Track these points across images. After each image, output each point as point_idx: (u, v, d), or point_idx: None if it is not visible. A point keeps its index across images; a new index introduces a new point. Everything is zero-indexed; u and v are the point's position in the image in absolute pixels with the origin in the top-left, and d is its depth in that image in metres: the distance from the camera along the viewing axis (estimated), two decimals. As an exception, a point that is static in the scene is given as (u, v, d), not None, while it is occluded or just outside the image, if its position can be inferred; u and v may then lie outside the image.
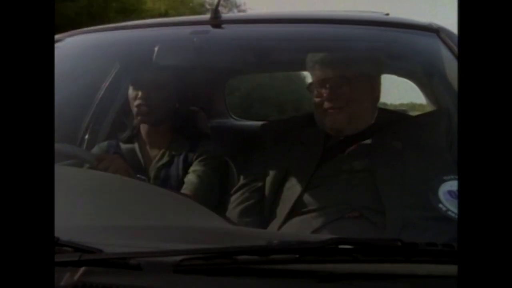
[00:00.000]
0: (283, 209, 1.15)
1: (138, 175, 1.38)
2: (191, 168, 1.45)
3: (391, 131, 1.22)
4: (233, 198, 1.26)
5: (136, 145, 1.54)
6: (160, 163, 1.49)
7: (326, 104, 1.23)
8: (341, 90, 1.22)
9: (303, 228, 1.08)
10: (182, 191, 1.38)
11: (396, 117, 1.34)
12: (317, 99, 1.25)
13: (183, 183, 1.42)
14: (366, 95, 1.25)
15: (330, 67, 1.24)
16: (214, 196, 1.43)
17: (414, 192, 1.05)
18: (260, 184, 1.25)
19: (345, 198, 1.10)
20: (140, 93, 1.48)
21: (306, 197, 1.15)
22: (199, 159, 1.47)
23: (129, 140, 1.55)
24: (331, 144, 1.25)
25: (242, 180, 1.29)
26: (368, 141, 1.22)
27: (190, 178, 1.42)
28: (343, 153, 1.22)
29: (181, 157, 1.49)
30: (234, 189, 1.29)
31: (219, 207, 1.31)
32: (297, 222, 1.11)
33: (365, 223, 1.05)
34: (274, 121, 1.49)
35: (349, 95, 1.22)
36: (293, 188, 1.18)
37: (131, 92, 1.51)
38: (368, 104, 1.26)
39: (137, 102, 1.48)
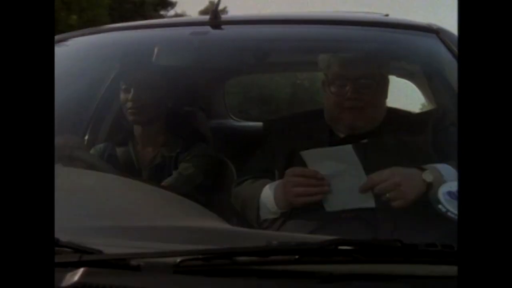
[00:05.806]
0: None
1: None
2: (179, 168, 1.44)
3: (391, 131, 1.22)
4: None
5: (130, 146, 1.53)
6: (153, 164, 1.48)
7: (347, 103, 1.22)
8: (365, 90, 1.22)
9: (299, 229, 1.08)
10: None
11: (396, 116, 1.34)
12: (336, 98, 1.25)
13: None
14: (385, 96, 1.27)
15: (352, 67, 1.24)
16: (202, 196, 1.41)
17: None
18: (260, 182, 1.24)
19: None
20: (131, 94, 1.47)
21: None
22: (187, 158, 1.46)
23: (123, 142, 1.55)
24: (335, 142, 1.24)
25: (242, 178, 1.29)
26: (370, 140, 1.22)
27: (173, 175, 1.42)
28: None
29: (174, 158, 1.48)
30: (233, 185, 1.28)
31: (217, 207, 1.30)
32: (295, 222, 1.11)
33: (362, 223, 1.05)
34: (277, 118, 1.48)
35: (372, 95, 1.22)
36: None
37: (122, 93, 1.50)
38: (384, 105, 1.28)
39: (128, 103, 1.48)
